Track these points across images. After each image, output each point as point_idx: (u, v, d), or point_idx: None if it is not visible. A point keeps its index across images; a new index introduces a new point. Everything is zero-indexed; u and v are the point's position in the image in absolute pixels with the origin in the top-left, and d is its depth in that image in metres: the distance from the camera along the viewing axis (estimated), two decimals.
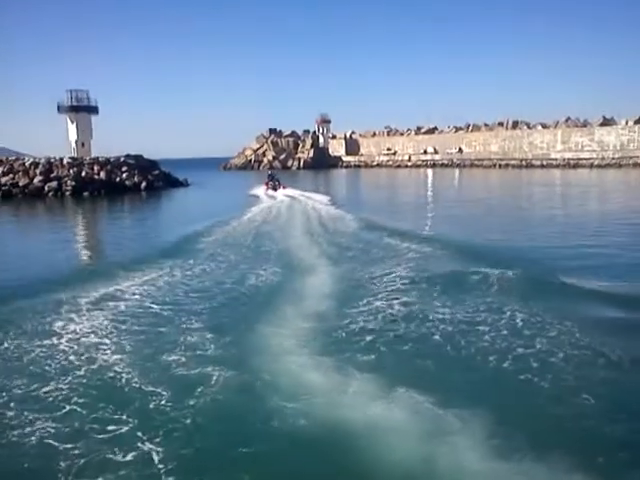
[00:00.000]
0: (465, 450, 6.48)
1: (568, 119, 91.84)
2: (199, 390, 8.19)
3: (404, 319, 11.20)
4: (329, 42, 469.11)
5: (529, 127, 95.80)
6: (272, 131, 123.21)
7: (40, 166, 49.74)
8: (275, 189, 43.26)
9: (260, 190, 43.42)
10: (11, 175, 48.77)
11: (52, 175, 49.07)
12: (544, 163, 79.93)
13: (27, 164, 50.22)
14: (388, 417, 7.34)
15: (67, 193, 47.37)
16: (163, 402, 7.85)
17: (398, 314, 11.56)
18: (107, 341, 10.37)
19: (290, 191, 41.72)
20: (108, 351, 9.87)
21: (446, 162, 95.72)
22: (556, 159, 79.74)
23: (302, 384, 8.36)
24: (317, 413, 7.47)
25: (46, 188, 47.56)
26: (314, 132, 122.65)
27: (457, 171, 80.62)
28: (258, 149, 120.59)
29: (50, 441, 6.96)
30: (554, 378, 8.40)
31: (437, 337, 10.20)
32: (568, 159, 78.27)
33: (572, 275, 14.22)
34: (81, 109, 56.74)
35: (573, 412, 7.44)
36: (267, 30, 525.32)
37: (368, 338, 10.14)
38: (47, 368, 9.21)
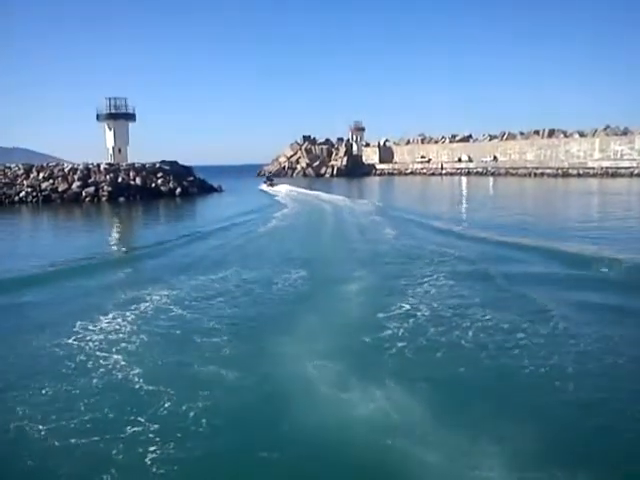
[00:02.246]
0: (498, 463, 6.36)
1: (607, 127, 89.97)
2: (216, 394, 8.22)
3: (435, 324, 11.08)
4: (363, 50, 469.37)
5: (566, 136, 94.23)
6: (306, 138, 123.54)
7: (78, 172, 50.74)
8: (272, 186, 69.09)
9: (263, 186, 69.69)
10: (51, 181, 49.86)
11: (90, 181, 50.01)
12: (581, 172, 78.29)
13: (66, 170, 51.27)
14: (413, 423, 7.24)
15: (103, 198, 48.22)
16: (181, 404, 7.87)
17: (429, 318, 11.45)
18: (128, 343, 10.52)
19: (283, 186, 66.53)
20: (128, 352, 10.00)
21: (480, 170, 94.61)
22: (593, 168, 78.06)
23: (324, 390, 8.29)
24: (339, 419, 7.39)
25: (83, 193, 48.49)
26: (348, 140, 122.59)
27: (491, 180, 79.65)
28: (292, 156, 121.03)
29: (65, 439, 7.04)
30: (592, 387, 8.24)
31: (470, 344, 10.03)
32: (606, 168, 76.56)
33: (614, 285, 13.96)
34: (119, 116, 57.77)
35: (607, 424, 7.26)
36: (301, 39, 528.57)
37: (398, 344, 10.03)
38: (66, 367, 9.39)
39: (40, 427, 7.35)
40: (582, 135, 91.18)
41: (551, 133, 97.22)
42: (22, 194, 47.91)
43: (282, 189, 62.64)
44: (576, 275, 15.06)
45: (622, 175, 72.55)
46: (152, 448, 6.75)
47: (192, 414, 7.59)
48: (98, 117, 58.24)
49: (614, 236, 22.13)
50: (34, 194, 48.08)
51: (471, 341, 10.16)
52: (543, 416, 7.50)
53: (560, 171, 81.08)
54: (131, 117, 58.83)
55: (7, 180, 49.95)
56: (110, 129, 57.66)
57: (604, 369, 8.88)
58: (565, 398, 7.97)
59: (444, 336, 10.41)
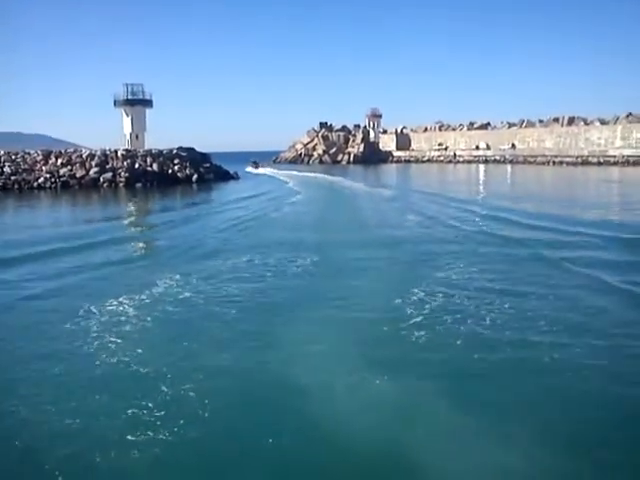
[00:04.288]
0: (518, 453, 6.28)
1: (629, 114, 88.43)
2: (221, 379, 8.21)
3: (452, 310, 10.98)
4: (380, 37, 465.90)
5: (586, 123, 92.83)
6: (323, 125, 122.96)
7: (96, 158, 50.98)
8: (257, 168, 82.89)
9: (249, 168, 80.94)
10: (69, 167, 50.15)
11: (107, 167, 50.24)
12: (601, 160, 77.14)
13: (84, 156, 51.54)
14: (426, 411, 7.18)
15: (121, 184, 48.44)
16: (183, 389, 7.82)
17: (445, 305, 11.35)
18: (132, 326, 10.60)
19: (267, 168, 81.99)
20: (131, 336, 10.03)
21: (498, 158, 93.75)
22: (614, 156, 76.80)
23: (334, 376, 8.24)
24: (349, 406, 7.33)
25: (101, 179, 48.74)
26: (365, 127, 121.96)
27: (509, 167, 78.86)
28: (308, 143, 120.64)
29: (63, 420, 7.04)
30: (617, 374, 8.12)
31: (489, 332, 9.90)
32: (627, 156, 75.29)
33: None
34: (136, 102, 57.81)
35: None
36: (318, 26, 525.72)
37: (415, 332, 9.94)
38: (68, 349, 9.44)
39: (38, 408, 7.39)
40: (603, 122, 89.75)
41: (571, 121, 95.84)
42: (41, 180, 48.23)
43: (264, 170, 79.06)
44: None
45: None
46: (152, 432, 6.70)
47: (196, 398, 7.53)
48: (115, 103, 58.36)
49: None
50: (52, 180, 48.39)
51: (490, 328, 10.04)
52: (563, 410, 7.39)
53: (580, 159, 79.97)
54: (148, 103, 58.90)
55: (26, 166, 50.30)
56: (127, 115, 57.78)
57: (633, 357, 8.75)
58: (589, 391, 7.85)
59: (462, 324, 10.29)
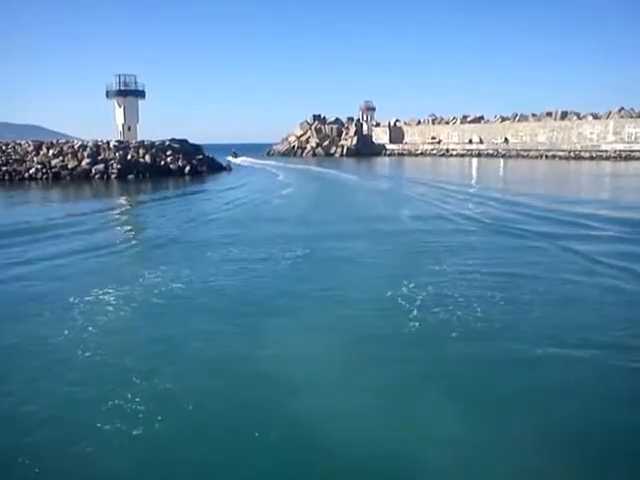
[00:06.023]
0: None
1: (621, 109, 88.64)
2: (207, 372, 8.13)
3: (446, 303, 10.94)
4: (374, 29, 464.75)
5: (579, 118, 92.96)
6: (316, 118, 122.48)
7: (88, 149, 50.65)
8: (236, 157, 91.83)
9: (230, 157, 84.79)
10: (61, 158, 49.82)
11: (99, 158, 49.95)
12: (593, 155, 77.37)
13: (76, 147, 51.20)
14: (415, 412, 7.15)
15: (113, 176, 48.18)
16: (169, 382, 7.72)
17: (438, 298, 11.33)
18: (117, 317, 10.46)
19: (244, 158, 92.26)
20: (116, 327, 9.95)
21: (491, 152, 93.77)
22: (607, 151, 77.04)
23: (323, 372, 8.18)
24: (337, 403, 7.25)
25: (93, 170, 48.46)
26: (358, 119, 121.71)
27: (502, 161, 78.93)
28: (302, 136, 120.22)
29: (46, 413, 6.97)
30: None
31: (485, 323, 9.87)
32: (619, 151, 75.60)
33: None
34: (129, 93, 57.49)
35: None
36: (313, 17, 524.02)
37: (410, 323, 9.93)
38: (51, 341, 9.30)
39: (13, 400, 7.31)
40: (596, 117, 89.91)
41: (564, 115, 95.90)
42: (32, 171, 47.90)
43: (248, 160, 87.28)
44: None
45: (637, 158, 71.54)
46: (133, 425, 6.59)
47: (179, 391, 7.45)
48: (108, 94, 58.05)
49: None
50: (44, 171, 48.07)
51: (485, 320, 10.03)
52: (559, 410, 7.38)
53: (572, 153, 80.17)
54: (141, 94, 58.58)
55: (17, 157, 49.95)
56: (120, 106, 57.44)
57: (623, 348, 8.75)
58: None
59: (454, 314, 10.28)
